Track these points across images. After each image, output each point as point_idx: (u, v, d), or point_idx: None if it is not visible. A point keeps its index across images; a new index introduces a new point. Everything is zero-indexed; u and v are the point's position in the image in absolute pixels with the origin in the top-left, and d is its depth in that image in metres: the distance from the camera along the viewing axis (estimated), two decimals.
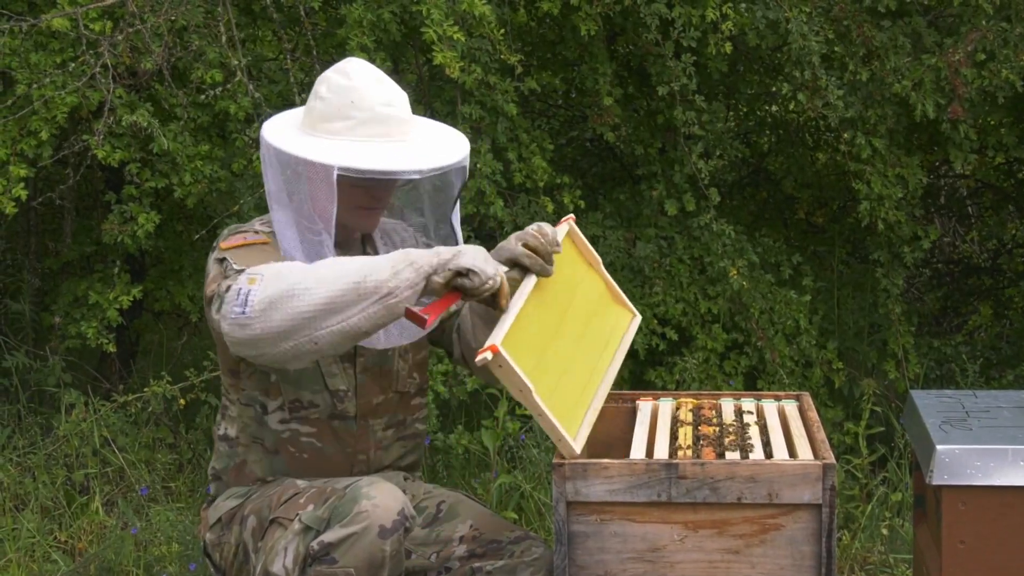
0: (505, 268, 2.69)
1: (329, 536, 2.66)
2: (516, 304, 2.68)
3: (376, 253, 2.98)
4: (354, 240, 2.98)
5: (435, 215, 2.99)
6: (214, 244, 2.90)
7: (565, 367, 2.75)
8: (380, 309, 2.57)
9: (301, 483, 2.88)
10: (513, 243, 2.76)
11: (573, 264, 2.92)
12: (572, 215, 2.98)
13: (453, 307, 2.71)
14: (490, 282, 2.62)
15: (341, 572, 2.65)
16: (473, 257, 2.62)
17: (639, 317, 3.07)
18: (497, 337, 2.57)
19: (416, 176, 2.77)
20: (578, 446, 2.67)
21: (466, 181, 2.92)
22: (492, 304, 2.68)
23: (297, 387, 2.91)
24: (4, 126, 4.47)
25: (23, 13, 4.68)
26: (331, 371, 2.91)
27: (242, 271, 2.71)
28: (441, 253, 2.62)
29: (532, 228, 2.76)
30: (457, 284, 2.62)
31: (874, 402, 5.00)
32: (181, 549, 4.18)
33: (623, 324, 3.03)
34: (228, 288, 2.68)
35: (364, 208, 2.89)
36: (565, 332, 2.81)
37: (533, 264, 2.75)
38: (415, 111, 4.60)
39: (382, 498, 2.66)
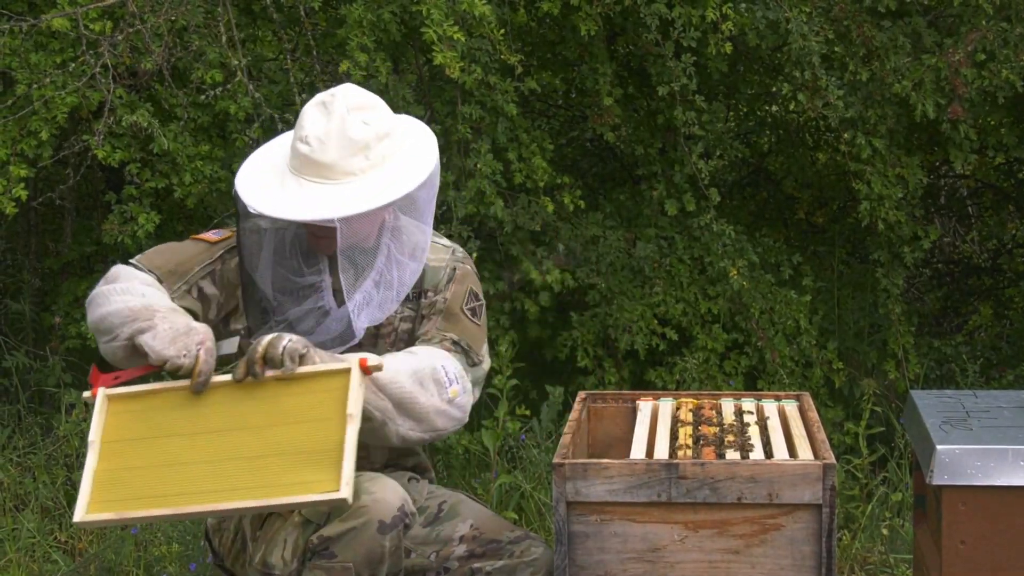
0: (191, 353, 2.61)
1: (328, 530, 2.66)
2: (168, 383, 2.65)
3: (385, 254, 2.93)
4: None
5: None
6: None
7: (174, 462, 2.61)
8: (105, 347, 2.71)
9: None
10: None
11: (310, 400, 2.61)
12: (377, 366, 2.62)
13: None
14: (167, 364, 2.62)
15: (339, 567, 2.65)
16: (156, 336, 2.62)
17: (341, 496, 2.49)
18: (112, 388, 2.65)
19: (254, 213, 2.73)
20: (83, 516, 2.67)
21: (365, 238, 2.79)
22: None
23: None
24: (4, 126, 4.47)
25: (23, 13, 4.68)
26: None
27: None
28: (140, 321, 2.64)
29: (267, 338, 2.61)
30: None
31: (874, 402, 5.00)
32: (181, 549, 4.18)
33: (311, 487, 2.52)
34: None
35: (306, 231, 2.86)
36: (217, 442, 2.61)
37: (235, 367, 2.64)
38: (414, 112, 4.61)
39: (382, 493, 2.67)
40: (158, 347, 2.61)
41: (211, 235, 2.96)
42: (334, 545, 2.65)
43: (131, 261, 2.88)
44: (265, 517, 2.82)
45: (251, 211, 2.74)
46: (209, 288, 2.90)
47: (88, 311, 2.78)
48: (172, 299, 2.80)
